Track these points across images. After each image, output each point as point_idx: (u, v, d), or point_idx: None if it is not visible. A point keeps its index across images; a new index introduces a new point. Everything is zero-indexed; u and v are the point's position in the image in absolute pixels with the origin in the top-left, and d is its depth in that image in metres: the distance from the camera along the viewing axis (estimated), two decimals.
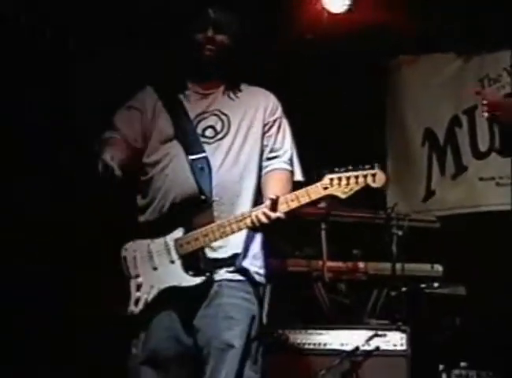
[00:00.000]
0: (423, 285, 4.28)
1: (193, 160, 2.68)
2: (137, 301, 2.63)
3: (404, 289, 4.19)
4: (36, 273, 3.91)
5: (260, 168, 2.75)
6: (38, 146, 3.99)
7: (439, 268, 4.42)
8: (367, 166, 2.48)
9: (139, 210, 2.76)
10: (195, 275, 2.61)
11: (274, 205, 2.51)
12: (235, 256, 2.67)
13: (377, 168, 2.47)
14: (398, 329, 3.79)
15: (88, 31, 4.01)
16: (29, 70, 3.95)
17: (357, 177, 2.47)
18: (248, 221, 2.55)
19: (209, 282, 2.63)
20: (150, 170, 2.74)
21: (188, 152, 2.69)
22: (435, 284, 4.29)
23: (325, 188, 2.50)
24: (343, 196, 2.50)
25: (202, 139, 2.71)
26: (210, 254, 2.64)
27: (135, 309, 2.63)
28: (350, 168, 2.49)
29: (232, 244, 2.66)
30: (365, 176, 2.47)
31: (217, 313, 2.61)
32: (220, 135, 2.72)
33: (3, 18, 3.82)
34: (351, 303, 4.36)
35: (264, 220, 2.52)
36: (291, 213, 2.55)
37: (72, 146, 3.95)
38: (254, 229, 2.59)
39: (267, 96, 2.83)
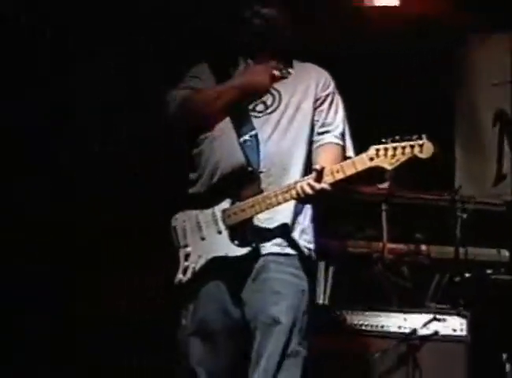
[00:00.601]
0: (489, 271, 4.18)
1: (241, 133, 2.72)
2: (185, 270, 2.68)
3: (468, 275, 4.10)
4: (36, 273, 3.99)
5: (310, 143, 2.77)
6: (38, 146, 4.06)
7: (505, 253, 4.29)
8: (415, 136, 2.42)
9: (190, 183, 2.80)
10: (242, 245, 2.64)
11: (319, 176, 2.52)
12: (282, 227, 2.68)
13: (425, 138, 2.41)
14: (458, 314, 3.73)
15: (88, 31, 4.04)
16: (29, 70, 3.99)
17: (404, 148, 2.43)
18: (294, 192, 2.56)
19: (256, 254, 2.65)
20: (200, 143, 2.80)
21: (237, 126, 2.73)
22: (502, 270, 4.18)
23: (371, 159, 2.48)
24: (390, 167, 2.46)
25: (252, 114, 2.75)
26: (257, 225, 2.66)
27: (183, 277, 2.68)
28: (398, 138, 2.44)
29: (280, 216, 2.68)
30: (412, 147, 2.42)
31: (264, 287, 2.63)
32: (269, 110, 2.75)
33: (3, 18, 3.88)
34: (412, 286, 4.30)
35: (309, 190, 2.52)
36: (336, 185, 2.54)
37: (72, 146, 4.01)
38: (299, 200, 2.60)
39: (319, 72, 2.85)
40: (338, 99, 2.82)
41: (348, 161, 2.57)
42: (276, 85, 2.78)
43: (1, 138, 3.97)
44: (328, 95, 2.80)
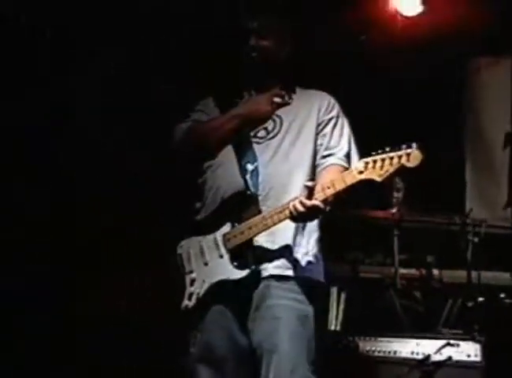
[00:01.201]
0: (502, 295, 4.15)
1: (243, 160, 2.77)
2: (190, 295, 2.71)
3: (481, 299, 4.07)
4: (36, 273, 3.99)
5: (313, 168, 2.79)
6: (38, 146, 4.08)
7: None
8: (404, 146, 2.41)
9: (196, 211, 2.83)
10: (242, 268, 2.66)
11: (310, 194, 2.54)
12: (283, 248, 2.69)
13: (414, 147, 2.39)
14: (472, 339, 3.69)
15: (88, 31, 4.07)
16: (29, 70, 4.03)
17: (391, 158, 2.43)
18: (287, 212, 2.59)
19: (258, 276, 2.66)
20: (205, 172, 2.86)
21: (239, 153, 2.79)
22: None
23: (360, 172, 2.48)
24: (379, 179, 2.46)
25: (254, 140, 2.81)
26: (258, 248, 2.68)
27: (188, 303, 2.70)
28: (387, 149, 2.44)
29: (281, 238, 2.70)
30: (399, 157, 2.42)
31: (266, 314, 2.64)
32: (270, 135, 2.80)
33: (3, 18, 3.92)
34: (425, 311, 4.27)
35: (300, 208, 2.54)
36: (326, 201, 2.56)
37: (72, 146, 4.03)
38: (294, 219, 2.61)
39: (322, 96, 2.89)
40: (343, 121, 2.84)
41: (338, 176, 2.58)
42: (278, 111, 2.82)
43: (1, 138, 3.99)
44: (331, 119, 2.83)
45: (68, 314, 4.00)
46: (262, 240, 2.67)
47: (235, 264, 2.66)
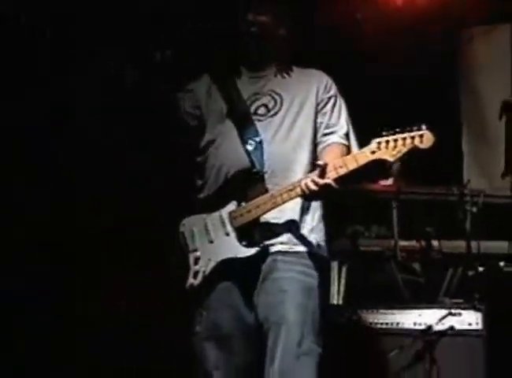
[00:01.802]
0: (501, 263, 4.19)
1: (245, 137, 2.78)
2: (195, 274, 2.73)
3: (481, 268, 4.11)
4: (36, 273, 4.01)
5: (314, 144, 2.82)
6: (38, 147, 4.09)
7: None
8: (415, 127, 2.45)
9: (198, 189, 2.85)
10: (250, 245, 2.68)
11: (323, 172, 2.56)
12: (290, 224, 2.72)
13: (424, 129, 2.43)
14: (473, 308, 3.73)
15: (88, 31, 4.06)
16: (29, 70, 4.03)
17: (404, 139, 2.47)
18: (298, 190, 2.61)
19: (265, 253, 2.69)
20: (205, 150, 2.87)
21: (240, 129, 2.80)
22: None
23: (373, 152, 2.52)
24: (392, 159, 2.50)
25: (255, 117, 2.82)
26: (265, 225, 2.70)
27: (194, 281, 2.73)
28: (398, 130, 2.47)
29: (287, 214, 2.72)
30: (412, 138, 2.46)
31: (273, 287, 2.68)
32: (271, 112, 2.82)
33: (3, 18, 3.91)
34: (426, 282, 4.31)
35: (313, 187, 2.57)
36: (339, 181, 2.58)
37: (72, 146, 4.05)
38: (305, 197, 2.64)
39: (320, 75, 2.91)
40: (341, 101, 2.88)
41: (350, 155, 2.62)
42: (278, 88, 2.85)
43: (1, 138, 4.01)
44: (330, 98, 2.86)
45: (68, 314, 4.03)
46: (269, 217, 2.70)
47: (243, 242, 2.68)
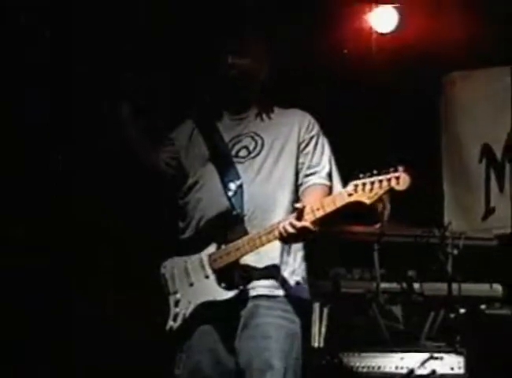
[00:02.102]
0: (483, 306, 4.19)
1: (226, 179, 2.78)
2: (175, 316, 2.71)
3: (462, 310, 4.11)
4: (36, 273, 3.98)
5: (296, 185, 2.81)
6: (38, 146, 4.09)
7: (498, 288, 4.32)
8: (391, 169, 2.46)
9: (180, 231, 2.84)
10: (229, 288, 2.66)
11: (300, 215, 2.55)
12: (271, 268, 2.70)
13: (401, 170, 2.44)
14: (455, 352, 3.72)
15: (88, 32, 4.08)
16: (29, 70, 4.04)
17: (381, 181, 2.46)
18: (276, 232, 2.60)
19: (245, 296, 2.67)
20: (187, 193, 2.86)
21: (222, 172, 2.80)
22: (497, 305, 4.20)
23: (350, 195, 2.51)
24: (368, 201, 2.49)
25: (236, 159, 2.82)
26: (245, 268, 2.69)
27: (173, 324, 2.70)
28: (375, 172, 2.48)
29: (268, 257, 2.71)
30: (388, 180, 2.45)
31: (255, 333, 2.65)
32: (252, 154, 2.81)
33: (3, 18, 3.91)
34: (407, 325, 4.30)
35: (290, 229, 2.56)
36: (317, 223, 2.57)
37: (72, 145, 4.05)
38: (283, 240, 2.63)
39: (302, 115, 2.90)
40: (323, 140, 2.87)
41: (328, 198, 2.61)
42: (259, 130, 2.85)
43: (1, 138, 4.00)
44: (312, 137, 2.84)
45: (68, 314, 4.01)
46: (249, 260, 2.68)
47: (222, 284, 2.67)
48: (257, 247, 2.63)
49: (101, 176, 4.08)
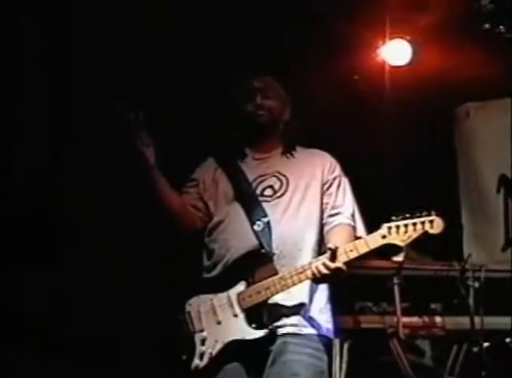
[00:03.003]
0: (508, 339, 4.14)
1: (253, 218, 2.81)
2: (202, 355, 2.72)
3: (486, 344, 4.06)
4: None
5: (321, 224, 2.85)
6: (37, 145, 4.10)
7: None
8: (424, 212, 2.49)
9: (205, 270, 2.84)
10: (258, 328, 2.67)
11: (333, 256, 2.58)
12: (299, 306, 2.73)
13: (434, 214, 2.47)
14: None
15: (88, 32, 4.10)
16: (29, 70, 4.06)
17: (415, 224, 2.54)
18: (309, 273, 2.62)
19: (273, 335, 2.68)
20: (213, 231, 2.89)
21: (248, 210, 2.83)
22: None
23: (384, 237, 2.55)
24: (402, 244, 2.57)
25: (261, 198, 2.86)
26: (274, 307, 2.70)
27: (200, 363, 2.70)
28: (408, 215, 2.50)
29: (297, 296, 2.73)
30: (422, 223, 2.53)
31: (283, 370, 2.67)
32: (278, 194, 2.86)
33: (3, 18, 3.93)
34: (430, 360, 4.25)
35: (324, 270, 2.59)
36: (349, 264, 2.61)
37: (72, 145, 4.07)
38: (315, 280, 2.66)
39: (323, 155, 2.98)
40: (345, 182, 2.93)
41: (361, 239, 2.65)
42: (283, 169, 2.89)
43: (1, 138, 4.02)
44: (335, 178, 2.91)
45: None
46: (278, 298, 2.69)
47: (251, 323, 2.67)
48: (288, 287, 2.65)
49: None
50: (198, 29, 4.27)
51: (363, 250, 2.58)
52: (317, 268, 2.59)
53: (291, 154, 2.93)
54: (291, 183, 2.86)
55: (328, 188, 2.87)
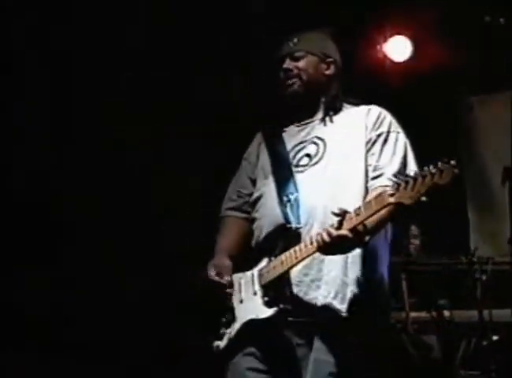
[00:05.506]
0: None
1: (282, 192, 2.62)
2: (223, 336, 2.60)
3: (495, 337, 4.06)
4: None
5: (366, 189, 2.55)
6: (37, 145, 4.12)
7: None
8: (431, 166, 2.22)
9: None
10: (271, 305, 2.50)
11: (340, 222, 2.36)
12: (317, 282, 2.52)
13: (441, 164, 2.20)
14: None
15: (89, 32, 4.11)
16: (29, 70, 4.08)
17: (424, 177, 2.22)
18: (315, 243, 2.41)
19: (287, 315, 2.49)
20: (252, 210, 2.75)
21: (280, 186, 2.64)
22: None
23: (391, 195, 2.27)
24: (410, 202, 2.25)
25: (296, 169, 2.64)
26: (292, 284, 2.52)
27: (220, 343, 2.60)
28: (418, 171, 2.28)
29: (327, 275, 2.51)
30: (432, 174, 2.21)
31: (316, 369, 2.47)
32: (313, 161, 2.62)
33: (3, 18, 3.94)
34: (440, 354, 4.25)
35: (326, 238, 2.36)
36: (356, 230, 2.35)
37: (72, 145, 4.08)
38: (322, 251, 2.42)
39: (367, 112, 2.64)
40: (395, 137, 2.58)
41: (366, 200, 2.40)
42: (321, 134, 2.65)
43: (1, 138, 4.04)
44: (379, 135, 2.58)
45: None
46: (296, 275, 2.50)
47: (265, 300, 2.51)
48: (300, 260, 2.44)
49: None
50: (198, 29, 4.27)
51: (367, 212, 2.29)
52: (320, 236, 2.35)
53: (335, 114, 2.61)
54: (328, 148, 2.57)
55: (371, 147, 2.54)
